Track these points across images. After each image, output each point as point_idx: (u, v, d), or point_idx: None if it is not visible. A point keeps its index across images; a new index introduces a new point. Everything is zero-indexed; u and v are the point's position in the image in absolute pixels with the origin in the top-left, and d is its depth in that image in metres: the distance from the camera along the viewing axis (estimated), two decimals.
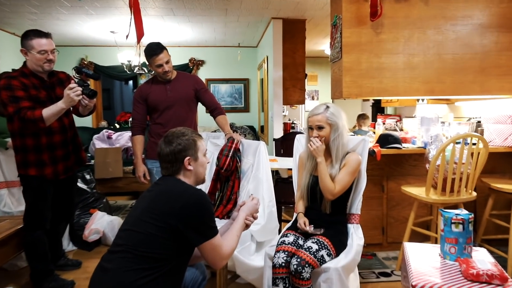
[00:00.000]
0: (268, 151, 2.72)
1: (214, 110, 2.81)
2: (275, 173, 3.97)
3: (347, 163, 2.00)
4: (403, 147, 3.04)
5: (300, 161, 2.23)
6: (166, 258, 1.41)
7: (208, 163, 1.68)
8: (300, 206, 2.15)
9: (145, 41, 3.20)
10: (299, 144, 2.42)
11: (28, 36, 2.28)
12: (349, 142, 2.13)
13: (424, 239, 2.95)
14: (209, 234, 1.46)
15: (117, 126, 6.83)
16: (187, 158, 1.56)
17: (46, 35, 2.32)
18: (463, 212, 1.53)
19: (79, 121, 2.69)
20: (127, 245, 1.41)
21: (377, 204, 3.13)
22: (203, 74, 7.09)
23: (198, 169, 1.60)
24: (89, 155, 4.95)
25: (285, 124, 5.72)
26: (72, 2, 4.22)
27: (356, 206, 2.14)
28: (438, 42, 2.86)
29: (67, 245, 3.26)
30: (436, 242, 2.66)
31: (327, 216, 2.04)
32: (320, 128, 2.00)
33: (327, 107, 2.02)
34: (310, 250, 1.82)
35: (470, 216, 1.49)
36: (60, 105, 2.22)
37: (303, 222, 2.01)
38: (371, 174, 3.01)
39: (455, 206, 2.58)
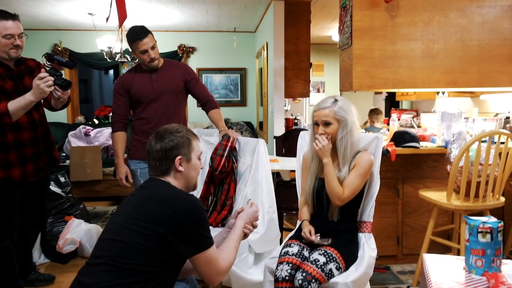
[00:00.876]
0: (268, 150, 2.71)
1: (207, 103, 2.79)
2: (276, 175, 3.96)
3: (358, 164, 1.99)
4: (421, 146, 3.03)
5: (304, 161, 2.22)
6: (153, 271, 1.40)
7: (201, 168, 1.68)
8: (304, 212, 2.14)
9: (128, 24, 3.17)
10: (303, 142, 2.41)
11: None
12: (360, 141, 2.11)
13: (444, 250, 2.94)
14: (203, 245, 1.45)
15: (96, 121, 6.81)
16: (179, 157, 1.56)
17: (13, 17, 2.30)
18: (491, 219, 1.51)
19: (52, 116, 2.67)
20: (108, 256, 1.40)
21: (391, 211, 3.13)
22: (194, 62, 7.07)
23: (190, 172, 1.60)
24: (64, 154, 4.92)
25: (287, 120, 5.71)
26: None
27: (368, 212, 2.13)
28: (461, 26, 2.85)
29: (38, 257, 3.24)
30: (458, 254, 2.65)
31: (335, 224, 2.03)
32: (327, 124, 1.99)
33: (336, 100, 2.01)
34: (317, 263, 1.81)
35: (500, 224, 1.48)
36: (28, 98, 2.19)
37: (308, 231, 2.00)
38: (384, 177, 3.00)
39: (480, 213, 2.57)
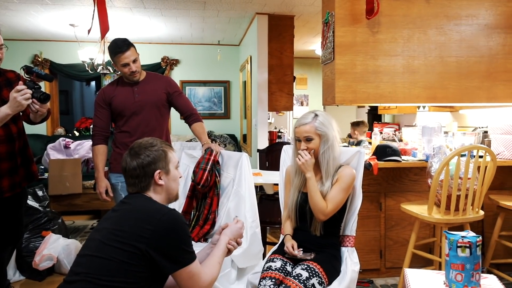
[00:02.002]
0: (251, 163, 2.72)
1: (190, 116, 2.79)
2: (259, 189, 3.96)
3: (340, 178, 2.02)
4: (403, 159, 3.08)
5: (287, 176, 2.23)
6: None
7: (180, 177, 1.68)
8: (287, 227, 2.14)
9: (111, 36, 3.17)
10: (286, 156, 2.43)
11: None
12: (341, 155, 2.14)
13: (426, 263, 2.98)
14: (185, 260, 1.43)
15: (77, 133, 6.72)
16: (157, 171, 1.55)
17: None
18: (469, 234, 1.55)
19: (30, 128, 2.62)
20: (87, 273, 1.37)
21: (374, 224, 3.15)
22: (177, 75, 7.07)
23: (170, 184, 1.60)
24: (42, 167, 4.83)
25: (270, 133, 5.75)
26: None
27: (351, 227, 2.15)
28: (440, 43, 2.94)
29: (13, 275, 3.14)
30: (440, 267, 2.68)
31: (318, 239, 2.04)
32: (308, 140, 2.01)
33: (316, 115, 2.03)
34: (300, 278, 1.80)
35: (478, 239, 1.52)
36: (4, 111, 2.15)
37: (290, 245, 2.00)
38: (367, 190, 3.04)
39: (460, 227, 2.62)
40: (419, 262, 2.93)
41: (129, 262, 1.37)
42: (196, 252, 1.52)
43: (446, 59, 2.95)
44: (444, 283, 1.57)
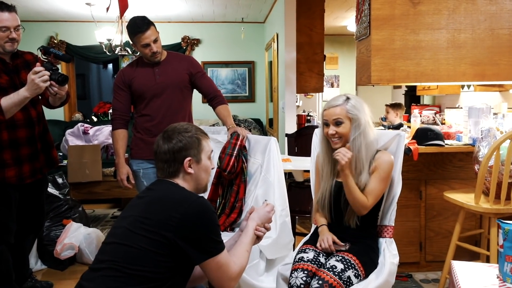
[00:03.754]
0: (279, 149, 2.71)
1: (214, 98, 2.79)
2: (288, 176, 3.95)
3: (378, 167, 1.97)
4: (446, 144, 3.01)
5: (316, 163, 2.21)
6: (160, 278, 1.41)
7: (212, 168, 1.69)
8: (320, 217, 2.13)
9: (129, 15, 3.18)
10: (318, 140, 2.40)
11: None
12: (377, 139, 2.08)
13: (472, 257, 2.91)
14: (214, 250, 1.45)
15: (95, 119, 6.86)
16: (188, 158, 1.57)
17: (9, 8, 2.31)
18: None
19: (48, 113, 2.69)
20: (113, 261, 1.41)
21: (413, 214, 3.10)
22: (198, 55, 7.09)
23: (200, 173, 1.61)
24: (61, 154, 4.96)
25: (299, 116, 5.70)
26: None
27: (389, 216, 2.12)
28: (491, 14, 2.82)
29: (35, 264, 3.27)
30: (487, 261, 2.62)
31: (354, 230, 2.02)
32: (338, 123, 1.96)
33: (348, 98, 1.99)
34: (334, 270, 1.80)
35: None
36: (22, 93, 2.21)
37: (330, 239, 1.97)
38: (406, 178, 2.97)
39: (510, 217, 2.54)
40: (463, 256, 2.86)
41: (156, 251, 1.40)
42: (224, 241, 1.53)
43: (498, 32, 2.83)
44: (498, 277, 1.53)
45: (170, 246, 1.41)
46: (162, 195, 1.52)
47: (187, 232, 1.41)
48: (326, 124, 2.00)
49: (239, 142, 2.55)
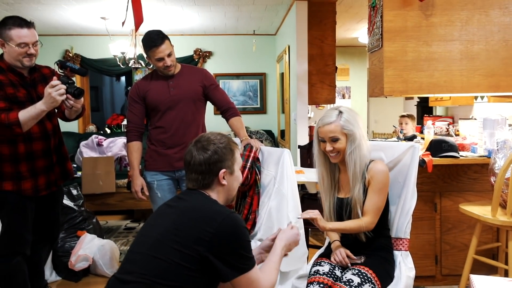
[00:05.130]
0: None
1: (227, 110, 2.81)
2: (301, 188, 3.94)
3: (373, 179, 1.94)
4: (461, 155, 2.98)
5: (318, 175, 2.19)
6: None
7: (242, 179, 1.71)
8: (332, 232, 2.11)
9: (143, 29, 3.23)
10: (314, 155, 2.37)
11: (6, 25, 2.32)
12: (369, 151, 2.04)
13: (489, 271, 2.87)
14: (245, 267, 1.45)
15: (108, 131, 6.93)
16: (223, 170, 1.55)
17: (28, 24, 2.35)
18: None
19: (62, 125, 2.73)
20: (143, 274, 1.39)
21: (428, 227, 3.07)
22: (210, 68, 7.14)
23: (233, 185, 1.61)
24: (75, 165, 5.01)
25: (311, 128, 5.69)
26: None
27: (405, 229, 2.09)
28: (504, 25, 2.80)
29: (50, 275, 3.29)
30: (505, 276, 2.57)
31: (367, 241, 2.00)
32: (334, 140, 1.95)
33: (340, 112, 1.96)
34: (351, 284, 1.78)
35: None
36: (39, 107, 2.24)
37: (344, 253, 1.96)
38: (420, 190, 2.94)
39: None
40: (480, 270, 2.81)
41: (186, 266, 1.38)
42: None
43: (511, 43, 2.82)
44: None
45: (201, 261, 1.39)
46: (194, 207, 1.50)
47: (219, 248, 1.40)
48: (322, 140, 1.99)
49: (252, 154, 2.55)
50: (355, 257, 1.95)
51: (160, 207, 1.60)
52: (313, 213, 1.86)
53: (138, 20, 2.82)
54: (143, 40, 2.66)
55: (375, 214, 1.94)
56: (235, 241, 1.42)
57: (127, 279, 1.40)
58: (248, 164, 2.52)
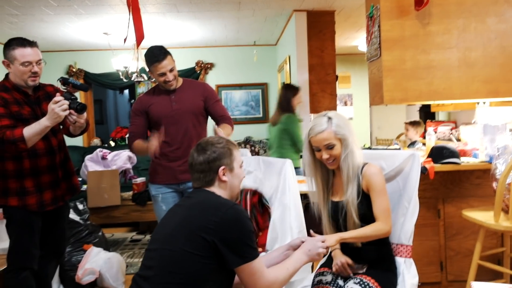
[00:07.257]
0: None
1: (221, 119, 2.80)
2: (304, 197, 3.94)
3: (370, 183, 1.92)
4: (462, 162, 2.99)
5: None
6: (206, 280, 1.52)
7: (243, 177, 1.80)
8: None
9: (145, 42, 3.28)
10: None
11: (10, 45, 2.38)
12: (361, 154, 2.02)
13: (495, 276, 2.86)
14: (249, 255, 1.53)
15: (112, 143, 6.97)
16: (222, 167, 1.68)
17: (31, 44, 2.40)
18: None
19: (67, 140, 2.77)
20: (162, 267, 1.52)
21: (432, 233, 3.07)
22: (212, 79, 7.20)
23: (234, 181, 1.73)
24: (80, 179, 5.05)
25: None
26: (59, 1, 4.39)
27: (409, 236, 2.08)
28: (501, 32, 2.83)
29: None
30: (511, 281, 2.57)
31: (366, 249, 1.97)
32: (330, 147, 1.91)
33: (329, 118, 1.93)
34: None
35: None
36: (43, 123, 2.28)
37: (345, 262, 1.95)
38: (422, 196, 2.94)
39: None
40: (486, 275, 2.81)
41: (199, 254, 1.49)
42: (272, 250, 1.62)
43: (509, 49, 2.84)
44: None
45: (211, 248, 1.50)
46: (201, 201, 1.65)
47: (224, 235, 1.51)
48: (317, 150, 1.96)
49: (248, 202, 2.59)
50: (356, 266, 1.95)
51: (170, 208, 1.74)
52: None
53: (140, 36, 2.87)
54: (145, 55, 2.71)
55: (386, 216, 1.91)
56: (238, 230, 1.53)
57: (147, 274, 1.53)
58: (249, 210, 2.57)
